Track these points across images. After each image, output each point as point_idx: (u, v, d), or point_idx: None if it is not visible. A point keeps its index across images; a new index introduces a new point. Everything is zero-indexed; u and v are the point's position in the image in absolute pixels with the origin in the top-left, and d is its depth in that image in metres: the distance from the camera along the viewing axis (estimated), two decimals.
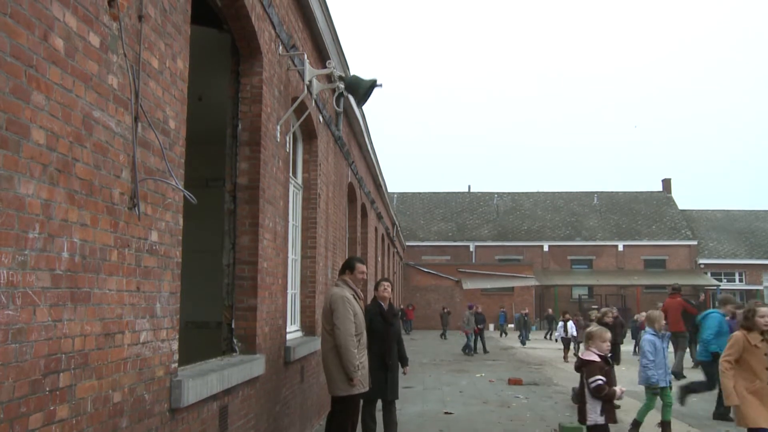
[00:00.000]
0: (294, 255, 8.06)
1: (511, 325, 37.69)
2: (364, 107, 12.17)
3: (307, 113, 7.43)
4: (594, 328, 6.05)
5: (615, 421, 5.79)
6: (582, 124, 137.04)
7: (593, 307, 34.00)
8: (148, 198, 3.51)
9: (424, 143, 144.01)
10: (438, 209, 50.58)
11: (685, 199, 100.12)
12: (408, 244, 44.40)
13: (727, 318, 10.20)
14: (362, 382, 5.96)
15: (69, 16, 2.73)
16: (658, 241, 46.48)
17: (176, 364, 3.89)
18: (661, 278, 41.66)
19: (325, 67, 7.61)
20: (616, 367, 6.57)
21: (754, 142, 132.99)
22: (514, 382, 13.68)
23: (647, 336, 8.23)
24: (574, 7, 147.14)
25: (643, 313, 21.17)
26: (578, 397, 5.99)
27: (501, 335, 32.54)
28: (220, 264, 5.66)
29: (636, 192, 52.06)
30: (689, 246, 46.23)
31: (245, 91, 5.78)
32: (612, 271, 45.25)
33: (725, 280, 45.29)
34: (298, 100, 6.77)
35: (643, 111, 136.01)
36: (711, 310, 10.85)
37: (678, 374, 12.83)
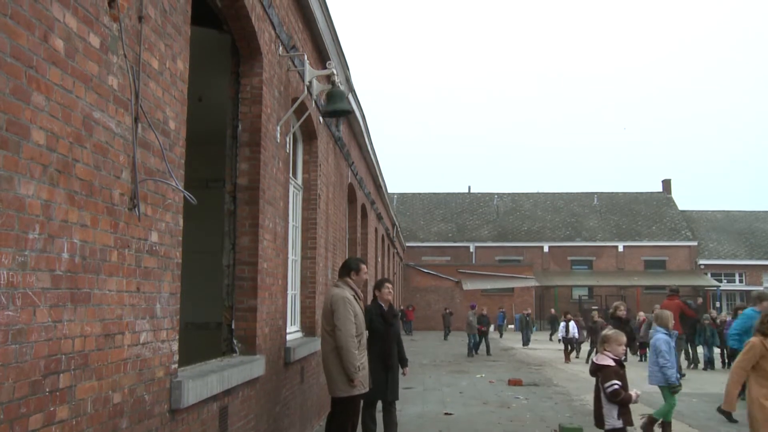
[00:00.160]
0: (294, 256, 8.06)
1: (511, 326, 37.69)
2: (364, 108, 12.17)
3: (307, 114, 7.44)
4: (610, 331, 5.97)
5: (632, 424, 5.74)
6: (582, 124, 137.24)
7: (593, 308, 34.02)
8: (148, 199, 3.51)
9: (424, 143, 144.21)
10: (438, 210, 50.59)
11: (685, 199, 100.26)
12: (408, 244, 44.40)
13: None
14: (363, 383, 5.96)
15: (69, 17, 2.73)
16: (658, 242, 46.49)
17: (176, 365, 3.89)
18: (661, 279, 41.68)
19: (325, 67, 7.61)
20: None
21: (754, 142, 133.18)
22: (514, 382, 13.67)
23: (661, 336, 8.19)
24: (574, 7, 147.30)
25: (642, 313, 21.22)
26: (594, 401, 5.90)
27: (500, 336, 32.51)
28: (220, 265, 5.66)
29: (636, 193, 52.08)
30: (689, 247, 46.24)
31: (245, 92, 5.78)
32: (612, 272, 45.25)
33: (725, 281, 45.30)
34: (299, 101, 6.77)
35: (643, 111, 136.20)
36: (748, 308, 10.50)
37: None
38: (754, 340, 5.79)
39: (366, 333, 6.14)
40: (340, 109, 6.93)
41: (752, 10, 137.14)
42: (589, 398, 11.66)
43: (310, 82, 7.07)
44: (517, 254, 46.50)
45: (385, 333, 6.90)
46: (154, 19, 3.59)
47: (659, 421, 8.23)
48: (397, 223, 30.54)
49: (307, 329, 8.41)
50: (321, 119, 8.75)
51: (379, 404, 7.09)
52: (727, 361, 17.48)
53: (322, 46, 8.49)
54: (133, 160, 3.30)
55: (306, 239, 8.48)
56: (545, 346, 26.00)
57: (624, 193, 51.96)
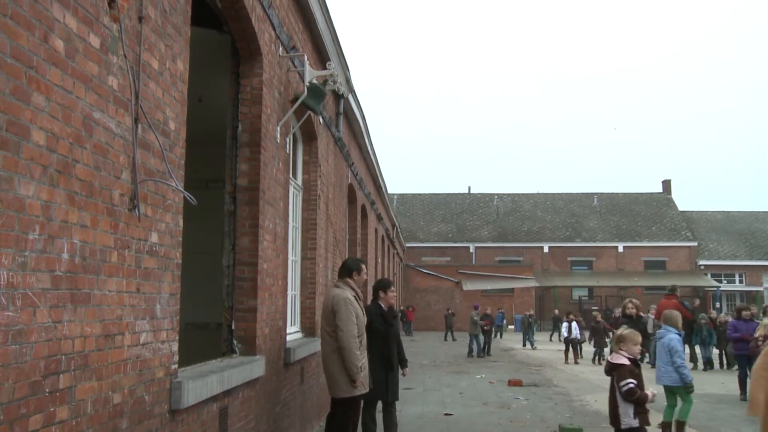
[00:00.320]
0: (294, 256, 8.06)
1: (511, 327, 37.67)
2: (364, 108, 12.17)
3: (307, 114, 7.44)
4: (625, 330, 5.95)
5: (649, 424, 5.71)
6: (582, 124, 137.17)
7: (594, 308, 34.02)
8: (148, 199, 3.51)
9: (424, 143, 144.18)
10: (438, 210, 50.60)
11: (685, 200, 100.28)
12: (408, 245, 44.41)
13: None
14: (364, 384, 5.97)
15: (69, 18, 2.73)
16: (658, 243, 46.49)
17: (176, 366, 3.89)
18: (661, 279, 41.64)
19: (325, 68, 7.61)
20: None
21: (754, 142, 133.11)
22: (514, 383, 13.67)
23: (674, 336, 8.21)
24: (574, 7, 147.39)
25: (653, 307, 21.15)
26: (609, 401, 5.87)
27: (499, 336, 32.49)
28: (220, 265, 5.66)
29: (636, 193, 52.10)
30: (689, 247, 46.24)
31: (245, 93, 5.78)
32: (612, 273, 45.25)
33: (725, 282, 45.30)
34: (299, 102, 6.77)
35: (643, 111, 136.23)
36: None
37: None
38: None
39: (364, 333, 6.14)
40: (310, 106, 6.80)
41: (752, 10, 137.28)
42: (589, 399, 11.68)
43: (311, 83, 7.07)
44: (517, 255, 46.51)
45: (385, 333, 6.90)
46: (154, 19, 3.60)
47: (660, 422, 8.24)
48: (397, 224, 30.54)
49: (307, 330, 8.41)
50: (321, 120, 8.76)
51: (379, 405, 7.09)
52: (726, 361, 17.49)
53: (322, 47, 8.49)
54: (133, 161, 3.30)
55: (306, 240, 8.49)
56: (545, 347, 25.98)
57: (624, 194, 51.98)
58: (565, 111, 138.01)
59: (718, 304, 41.13)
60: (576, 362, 19.08)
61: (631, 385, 5.48)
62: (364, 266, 6.36)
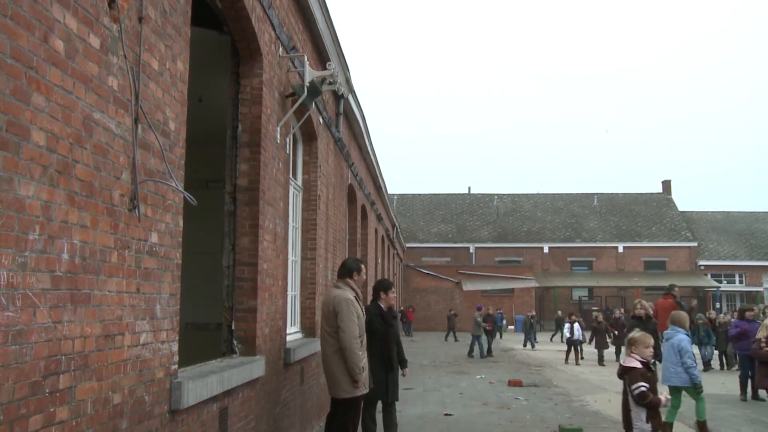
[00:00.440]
0: (294, 256, 8.06)
1: (511, 327, 37.66)
2: (364, 108, 12.18)
3: (307, 115, 7.44)
4: (637, 333, 5.91)
5: (662, 428, 5.70)
6: (582, 124, 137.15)
7: (594, 309, 34.03)
8: (148, 199, 3.51)
9: (424, 143, 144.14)
10: (438, 211, 50.61)
11: (685, 200, 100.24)
12: (408, 245, 44.41)
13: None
14: (364, 384, 5.97)
15: (69, 18, 2.73)
16: (658, 243, 46.50)
17: (176, 366, 3.89)
18: (661, 280, 41.59)
19: (325, 68, 7.61)
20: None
21: (754, 142, 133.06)
22: (514, 383, 13.67)
23: (683, 336, 8.20)
24: (574, 7, 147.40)
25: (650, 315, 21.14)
26: (622, 405, 5.82)
27: (499, 337, 32.47)
28: (220, 265, 5.66)
29: (636, 193, 52.11)
30: (689, 247, 46.25)
31: (245, 93, 5.78)
32: (612, 273, 45.26)
33: (725, 282, 45.31)
34: (299, 102, 6.77)
35: (643, 111, 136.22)
36: None
37: None
38: None
39: (365, 334, 6.15)
40: (304, 101, 6.76)
41: (752, 10, 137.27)
42: (589, 399, 11.69)
43: (311, 83, 7.07)
44: (517, 255, 46.51)
45: (385, 334, 6.90)
46: (154, 20, 3.60)
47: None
48: (397, 224, 30.54)
49: (307, 330, 8.41)
50: (321, 120, 8.76)
51: (379, 405, 7.09)
52: (725, 362, 17.48)
53: (322, 47, 8.49)
54: (133, 161, 3.30)
55: (306, 240, 8.49)
56: (545, 347, 25.97)
57: (624, 194, 51.98)
58: (565, 111, 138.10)
59: (718, 305, 41.14)
60: (577, 363, 19.08)
61: (643, 389, 5.44)
62: (363, 266, 6.37)
